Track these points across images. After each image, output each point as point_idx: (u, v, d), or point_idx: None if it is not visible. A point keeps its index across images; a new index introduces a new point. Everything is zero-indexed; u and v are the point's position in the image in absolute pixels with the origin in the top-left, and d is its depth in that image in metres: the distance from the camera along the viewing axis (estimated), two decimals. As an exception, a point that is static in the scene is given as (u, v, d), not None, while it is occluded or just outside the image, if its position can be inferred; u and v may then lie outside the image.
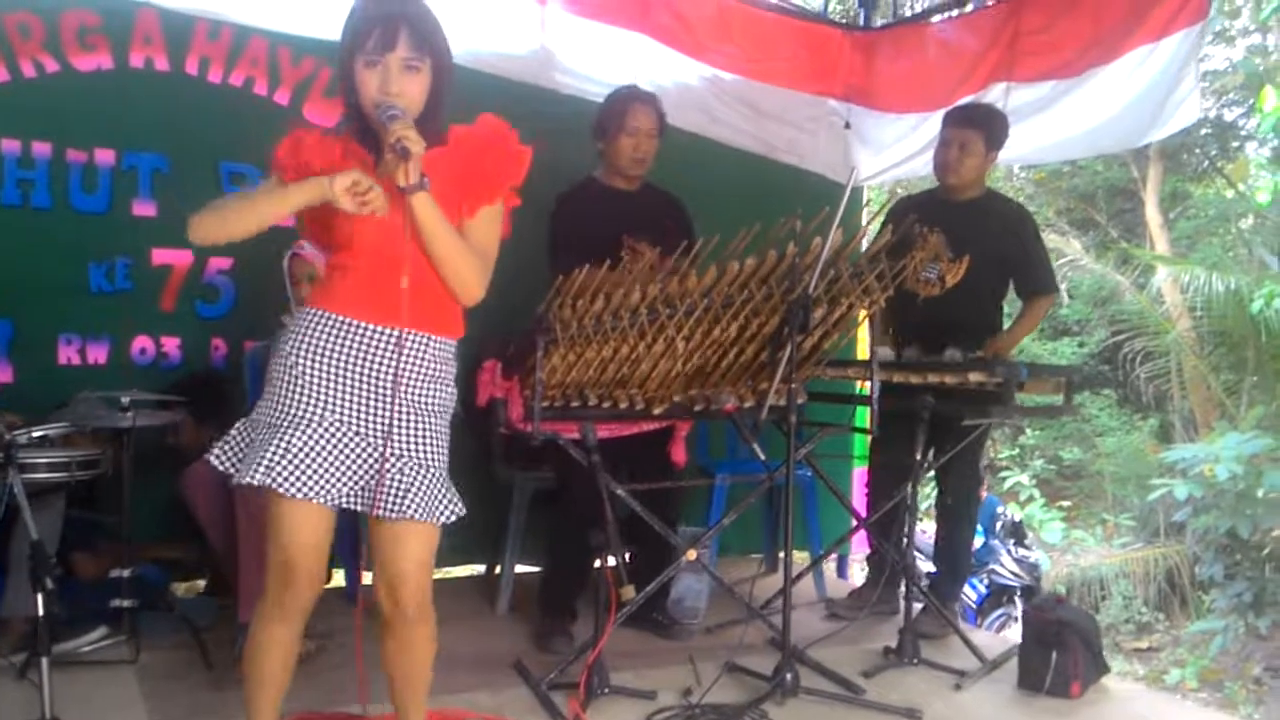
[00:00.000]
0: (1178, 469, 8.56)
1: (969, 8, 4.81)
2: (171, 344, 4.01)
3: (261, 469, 2.09)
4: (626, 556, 3.27)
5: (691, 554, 3.46)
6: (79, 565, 3.40)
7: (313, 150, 2.18)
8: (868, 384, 4.44)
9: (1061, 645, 3.30)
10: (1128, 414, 11.98)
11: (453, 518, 2.23)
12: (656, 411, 3.33)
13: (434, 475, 2.21)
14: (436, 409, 2.24)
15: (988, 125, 3.87)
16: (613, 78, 4.54)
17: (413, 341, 2.18)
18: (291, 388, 2.15)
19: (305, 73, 4.16)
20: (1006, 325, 4.04)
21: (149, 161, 3.93)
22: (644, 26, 4.65)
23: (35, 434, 2.73)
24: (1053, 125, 4.26)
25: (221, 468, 2.24)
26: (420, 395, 2.21)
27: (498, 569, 4.27)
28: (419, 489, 2.17)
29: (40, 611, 2.47)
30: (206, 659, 3.26)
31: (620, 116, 3.71)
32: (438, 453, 2.24)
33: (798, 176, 5.00)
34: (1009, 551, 7.80)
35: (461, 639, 3.51)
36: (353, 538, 4.04)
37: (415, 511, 2.15)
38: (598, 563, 3.64)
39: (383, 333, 2.16)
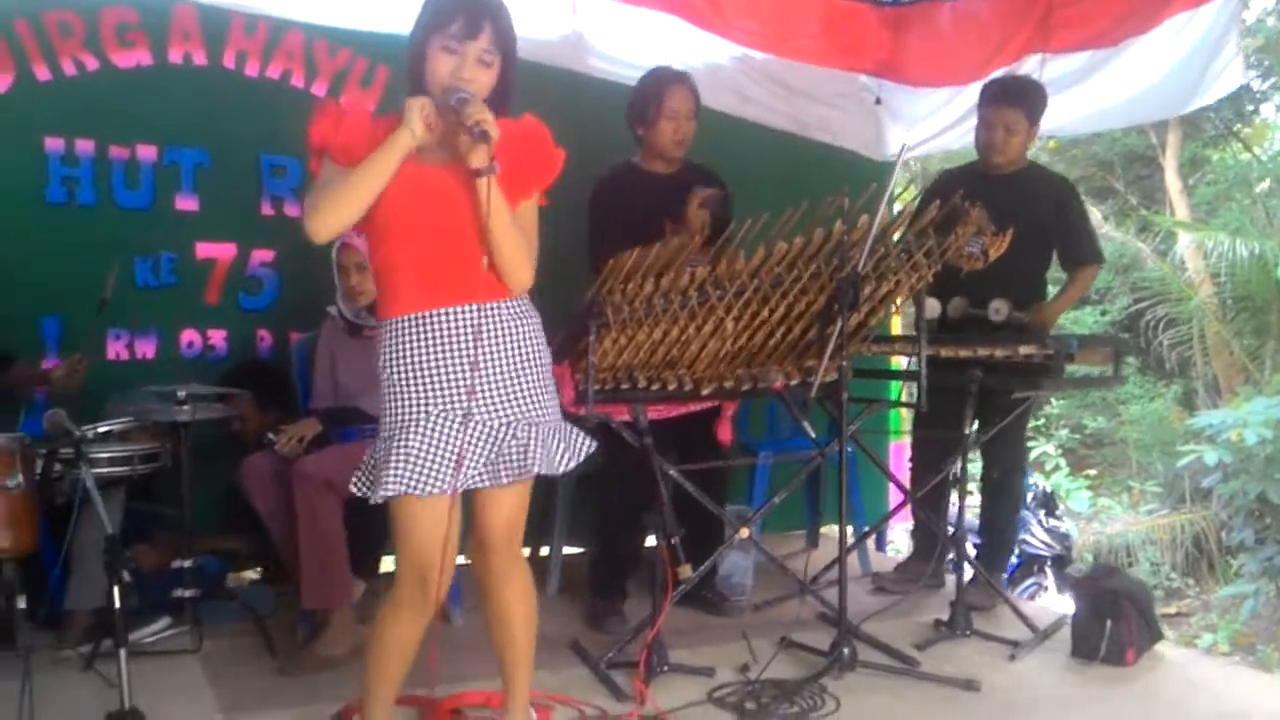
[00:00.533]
0: (1205, 435, 8.57)
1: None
2: (218, 336, 4.05)
3: (391, 483, 2.16)
4: (680, 536, 3.30)
5: (745, 532, 3.50)
6: (139, 557, 3.44)
7: (354, 131, 2.19)
8: (901, 359, 4.49)
9: (1117, 613, 3.32)
10: (1151, 381, 11.97)
11: (583, 454, 2.33)
12: (705, 392, 3.34)
13: (548, 428, 2.29)
14: (533, 367, 2.29)
15: (1029, 102, 3.85)
16: (645, 60, 4.53)
17: (490, 312, 2.22)
18: (393, 401, 2.23)
19: (341, 64, 4.18)
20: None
21: (190, 156, 3.95)
22: (673, 7, 4.64)
23: (101, 429, 2.76)
24: (1091, 96, 4.25)
25: (359, 493, 2.31)
26: (516, 358, 2.26)
27: (543, 551, 4.32)
28: (534, 445, 2.24)
29: (116, 604, 2.50)
30: (271, 646, 3.31)
31: (659, 100, 3.71)
32: (543, 408, 2.30)
33: (830, 153, 4.99)
34: (1040, 522, 7.80)
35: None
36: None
37: (536, 467, 2.23)
38: (647, 542, 3.73)
39: (458, 312, 2.21)
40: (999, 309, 3.60)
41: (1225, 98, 4.16)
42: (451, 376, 2.21)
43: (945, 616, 3.64)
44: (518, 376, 2.26)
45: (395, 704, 2.45)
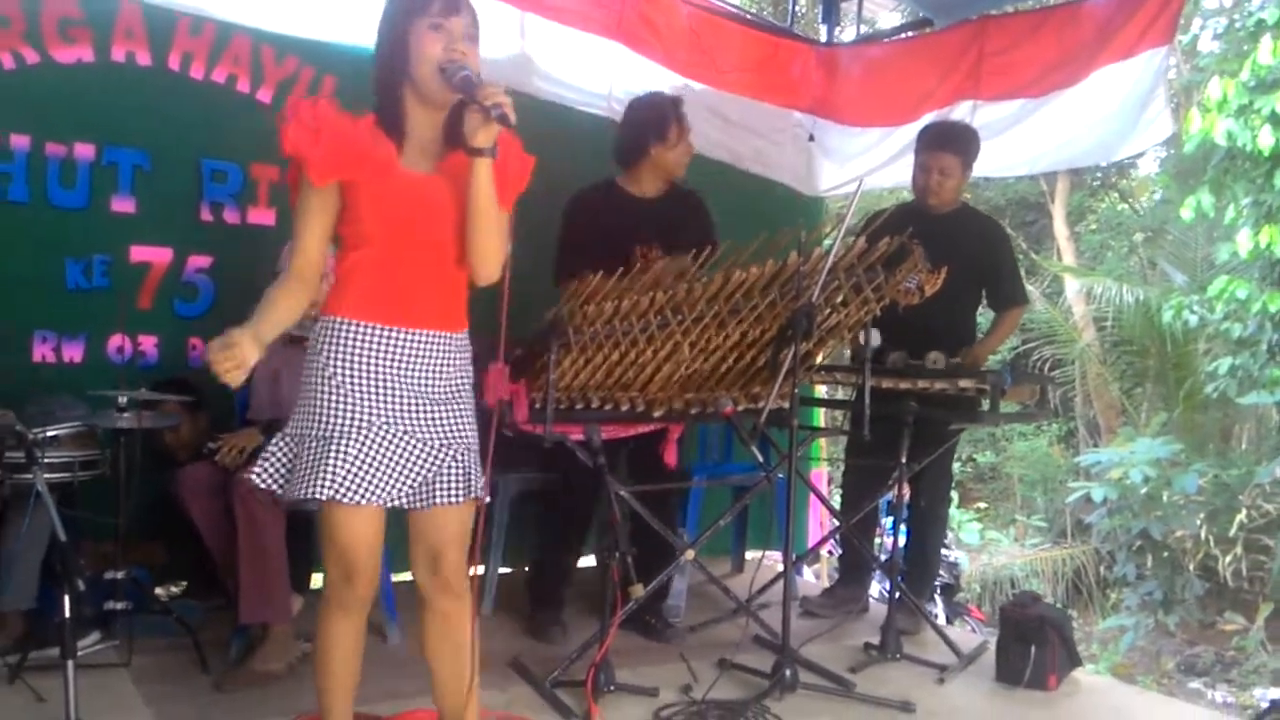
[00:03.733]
0: (1092, 472, 8.97)
1: (931, 29, 4.98)
2: (149, 343, 3.93)
3: (325, 484, 2.13)
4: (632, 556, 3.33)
5: (690, 554, 3.55)
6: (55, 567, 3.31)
7: (336, 135, 2.14)
8: (822, 388, 4.61)
9: (1042, 640, 3.46)
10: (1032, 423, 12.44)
11: (484, 491, 2.33)
12: (656, 414, 3.40)
13: (475, 457, 2.33)
14: (466, 397, 2.34)
15: (963, 147, 4.03)
16: (590, 84, 4.62)
17: (439, 341, 2.26)
18: (335, 401, 2.19)
19: (288, 71, 4.13)
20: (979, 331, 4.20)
21: (129, 157, 3.85)
22: (618, 35, 4.70)
23: (50, 433, 2.66)
24: (1022, 141, 4.45)
25: (264, 486, 2.26)
26: (453, 387, 2.30)
27: (475, 570, 4.29)
28: (472, 470, 2.29)
29: (66, 613, 2.41)
30: (204, 662, 3.22)
31: (679, 118, 3.75)
32: (473, 435, 2.34)
33: (764, 186, 5.11)
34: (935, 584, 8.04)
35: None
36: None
37: (474, 491, 2.27)
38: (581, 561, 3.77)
39: (412, 335, 2.22)
40: (936, 359, 3.72)
41: None
42: (399, 393, 2.21)
43: (874, 640, 3.74)
44: (458, 405, 2.31)
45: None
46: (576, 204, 3.76)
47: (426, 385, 2.25)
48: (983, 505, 11.59)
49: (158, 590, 3.98)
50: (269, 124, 4.03)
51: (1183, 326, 8.71)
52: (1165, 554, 8.48)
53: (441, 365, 2.27)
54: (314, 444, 2.19)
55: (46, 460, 2.91)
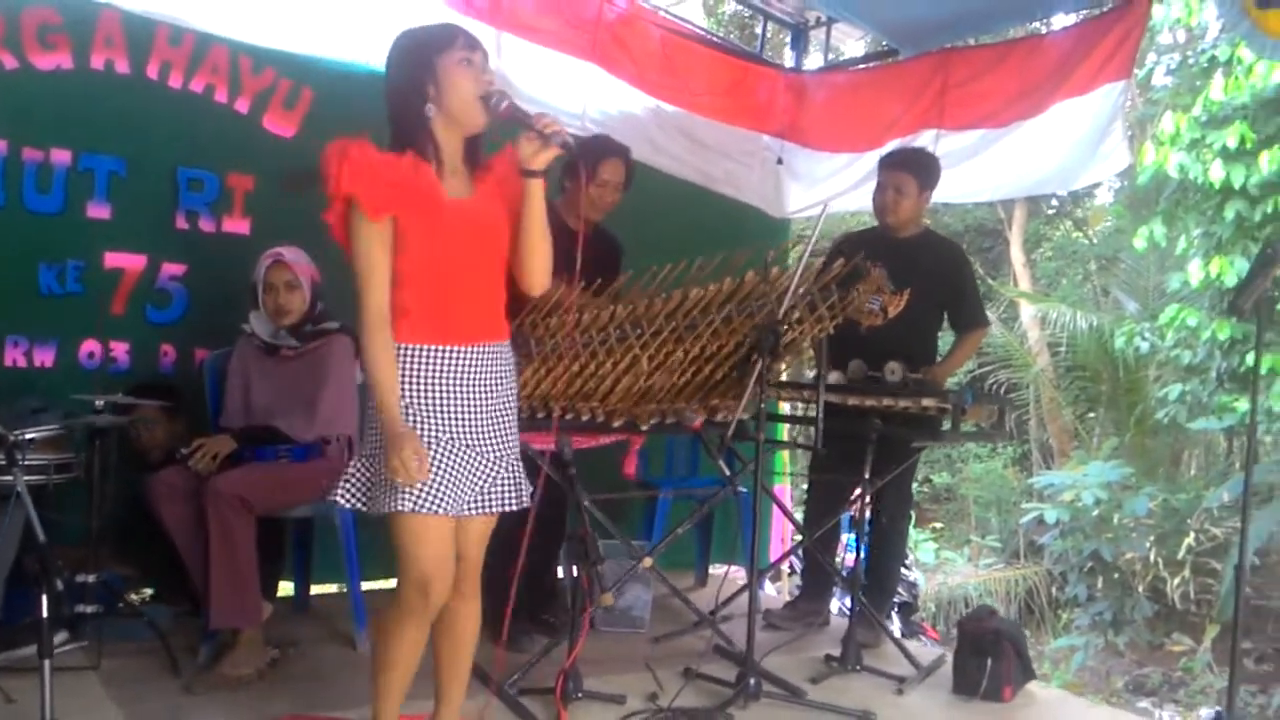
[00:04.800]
0: (1045, 494, 9.14)
1: (896, 59, 5.11)
2: (120, 349, 3.94)
3: (405, 498, 2.26)
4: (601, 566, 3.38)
5: (648, 561, 3.62)
6: (31, 569, 3.30)
7: (388, 173, 2.26)
8: (787, 405, 4.70)
9: (998, 652, 3.56)
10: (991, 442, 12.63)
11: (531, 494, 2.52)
12: (616, 425, 3.48)
13: (520, 463, 2.51)
14: (514, 405, 2.51)
15: (920, 168, 4.14)
16: (564, 104, 4.69)
17: (491, 353, 2.41)
18: (409, 420, 2.31)
19: (265, 83, 4.17)
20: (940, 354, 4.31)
21: (106, 164, 3.87)
22: (593, 56, 4.80)
23: (29, 435, 2.68)
24: (983, 170, 4.59)
25: (349, 506, 2.39)
26: (503, 397, 2.46)
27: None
28: (521, 477, 2.48)
29: (44, 613, 2.44)
30: (175, 665, 3.24)
31: (594, 166, 3.81)
32: (518, 443, 2.52)
33: (734, 207, 5.22)
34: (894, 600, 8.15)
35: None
36: (304, 552, 4.07)
37: (522, 499, 2.47)
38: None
39: (467, 351, 2.37)
40: (894, 369, 3.81)
41: None
42: (459, 408, 2.36)
43: (835, 652, 3.81)
44: (508, 414, 2.46)
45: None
46: None
47: (483, 398, 2.39)
48: (938, 525, 11.74)
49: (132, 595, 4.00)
50: (246, 134, 4.15)
51: (1134, 353, 8.92)
52: (1115, 575, 8.65)
53: (494, 376, 2.42)
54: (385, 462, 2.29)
55: (28, 462, 2.92)
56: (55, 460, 3.07)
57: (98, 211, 3.88)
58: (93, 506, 3.22)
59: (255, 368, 3.65)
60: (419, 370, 2.32)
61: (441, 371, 2.33)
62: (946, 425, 3.71)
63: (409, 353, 2.32)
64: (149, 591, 3.88)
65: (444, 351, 2.34)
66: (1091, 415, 10.76)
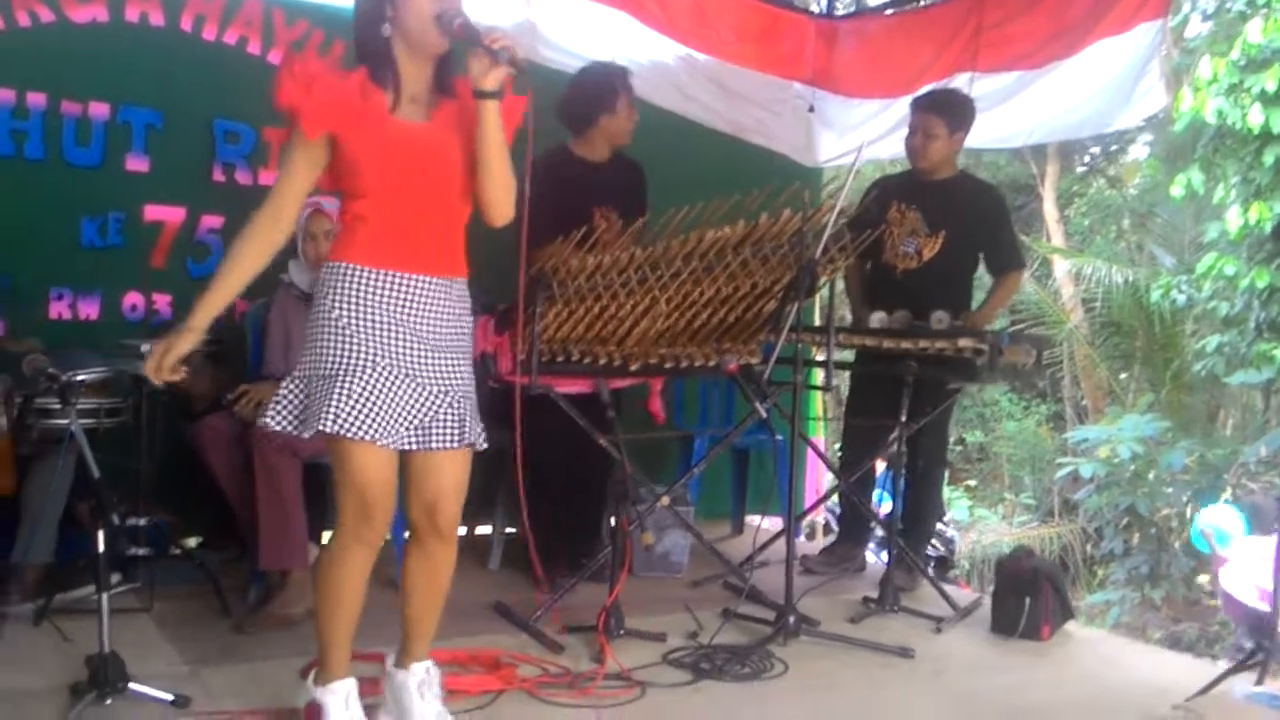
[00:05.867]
0: (1080, 449, 9.10)
1: (929, 2, 5.06)
2: (163, 301, 4.00)
3: (330, 419, 2.20)
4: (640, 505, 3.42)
5: (665, 500, 3.63)
6: (83, 515, 3.37)
7: (328, 89, 2.21)
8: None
9: (1035, 591, 3.56)
10: (1024, 400, 12.58)
11: (485, 443, 2.41)
12: (633, 368, 3.48)
13: (473, 404, 2.40)
14: (465, 345, 2.41)
15: (949, 110, 4.10)
16: (594, 53, 4.66)
17: (441, 287, 2.33)
18: (340, 341, 2.25)
19: (298, 35, 4.19)
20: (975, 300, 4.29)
21: (143, 116, 3.91)
22: (624, 4, 4.77)
23: (80, 377, 2.73)
24: (1019, 112, 4.55)
25: (279, 428, 2.32)
26: (452, 334, 2.37)
27: (481, 529, 4.37)
28: (468, 418, 2.36)
29: (100, 548, 2.50)
30: (225, 606, 3.30)
31: (628, 90, 3.85)
32: (470, 383, 2.42)
33: (764, 156, 5.17)
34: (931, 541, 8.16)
35: (464, 591, 3.60)
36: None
37: (469, 438, 2.35)
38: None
39: (416, 280, 2.29)
40: (941, 319, 3.80)
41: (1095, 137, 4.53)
42: (400, 337, 2.28)
43: (873, 595, 3.83)
44: (456, 352, 2.37)
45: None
46: (539, 169, 3.83)
47: (427, 330, 2.31)
48: (972, 484, 11.72)
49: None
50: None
51: (1170, 306, 8.83)
52: (1152, 530, 8.62)
53: (442, 311, 2.33)
54: (320, 382, 2.26)
55: (80, 406, 2.97)
56: (105, 405, 3.11)
57: (136, 164, 3.92)
58: (141, 450, 3.27)
59: (295, 316, 3.68)
60: (362, 292, 2.25)
61: (385, 296, 2.26)
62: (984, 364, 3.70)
63: (353, 273, 2.25)
64: (196, 540, 3.95)
65: (389, 277, 2.26)
66: (1125, 375, 10.66)
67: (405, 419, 2.28)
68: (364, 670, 2.53)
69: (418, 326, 2.29)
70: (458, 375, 2.36)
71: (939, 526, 8.32)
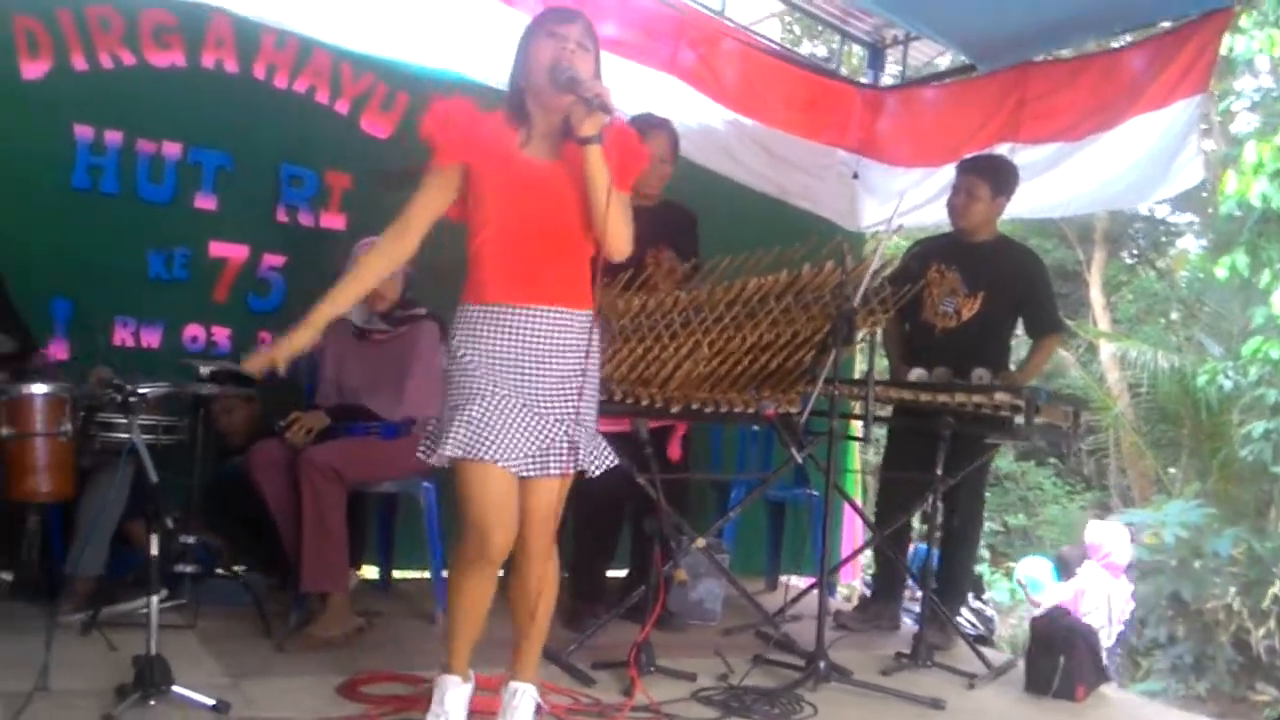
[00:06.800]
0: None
1: (974, 74, 5.19)
2: (222, 334, 4.16)
3: (451, 443, 2.35)
4: (674, 543, 3.46)
5: (701, 541, 3.66)
6: (137, 532, 3.47)
7: (465, 123, 2.41)
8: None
9: (1070, 650, 3.54)
10: (1070, 484, 12.45)
11: (610, 463, 2.53)
12: (674, 410, 3.55)
13: (590, 431, 2.52)
14: (589, 373, 2.49)
15: (994, 173, 4.19)
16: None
17: (563, 317, 2.45)
18: (464, 376, 2.41)
19: (364, 87, 4.39)
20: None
21: (213, 158, 4.09)
22: (674, 70, 4.96)
23: (142, 390, 2.85)
24: (1060, 183, 4.64)
25: (429, 460, 2.47)
26: (575, 364, 2.46)
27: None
28: (582, 444, 2.47)
29: (153, 551, 2.59)
30: (267, 626, 3.37)
31: (652, 144, 3.93)
32: (590, 411, 2.53)
33: (809, 220, 5.29)
34: (967, 602, 8.06)
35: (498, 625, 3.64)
36: (387, 534, 4.20)
37: (581, 464, 2.48)
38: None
39: (537, 312, 2.42)
40: (981, 375, 3.84)
41: (1141, 227, 4.59)
42: (521, 368, 2.41)
43: (908, 650, 3.82)
44: (578, 381, 2.47)
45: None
46: None
47: (550, 361, 2.43)
48: (1013, 566, 11.54)
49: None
50: (345, 134, 4.36)
51: (1217, 393, 8.74)
52: (1198, 621, 8.43)
53: (564, 341, 2.45)
54: (448, 414, 2.41)
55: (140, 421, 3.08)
56: (164, 421, 3.23)
57: (205, 203, 4.11)
58: (195, 466, 3.38)
59: (348, 350, 3.81)
60: (486, 328, 2.40)
61: (507, 329, 2.40)
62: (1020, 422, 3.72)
63: (478, 312, 2.42)
64: (241, 568, 4.03)
65: (511, 311, 2.40)
66: (1173, 469, 10.52)
67: (524, 446, 2.40)
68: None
69: (538, 357, 2.42)
70: (576, 403, 2.46)
71: (978, 604, 8.22)
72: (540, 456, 2.43)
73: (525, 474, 2.43)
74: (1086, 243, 13.03)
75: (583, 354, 2.46)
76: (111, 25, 3.93)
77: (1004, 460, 12.11)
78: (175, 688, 2.61)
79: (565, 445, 2.44)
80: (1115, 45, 4.78)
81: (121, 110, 3.95)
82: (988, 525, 11.92)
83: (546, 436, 2.42)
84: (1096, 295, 12.77)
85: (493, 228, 2.42)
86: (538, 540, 2.51)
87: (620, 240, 2.45)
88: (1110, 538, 6.87)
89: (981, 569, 10.45)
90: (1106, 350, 11.53)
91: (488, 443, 2.35)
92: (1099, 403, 10.70)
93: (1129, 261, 14.34)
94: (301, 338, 2.42)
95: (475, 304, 2.44)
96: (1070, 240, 13.12)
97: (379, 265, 2.55)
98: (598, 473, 2.52)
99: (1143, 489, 11.33)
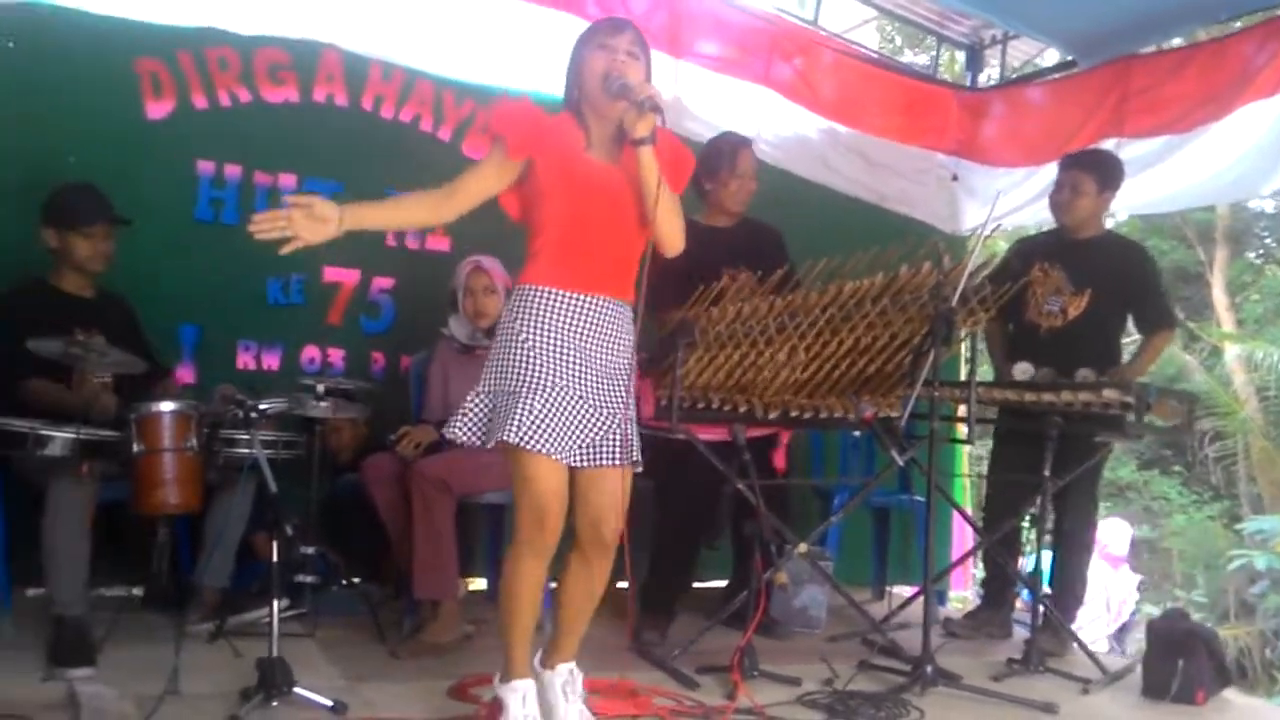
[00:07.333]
0: (1256, 540, 8.61)
1: (1075, 70, 5.10)
2: (337, 355, 4.34)
3: (513, 430, 2.41)
4: (775, 547, 3.48)
5: (803, 547, 3.65)
6: (260, 545, 3.63)
7: (534, 121, 2.53)
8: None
9: (1189, 652, 3.44)
10: (1197, 493, 12.00)
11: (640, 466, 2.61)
12: (772, 416, 3.57)
13: (634, 426, 2.61)
14: (629, 370, 2.59)
15: (1099, 168, 4.11)
16: (738, 127, 4.87)
17: (614, 308, 2.55)
18: (524, 359, 2.47)
19: (465, 113, 4.54)
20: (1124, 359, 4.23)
21: (326, 187, 4.22)
22: (767, 81, 5.00)
23: (263, 405, 3.01)
24: (1167, 177, 4.52)
25: (465, 440, 2.56)
26: (622, 359, 2.57)
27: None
28: (632, 439, 2.57)
29: (275, 557, 2.72)
30: (381, 633, 3.50)
31: (732, 160, 3.97)
32: (632, 406, 2.62)
33: (908, 225, 5.24)
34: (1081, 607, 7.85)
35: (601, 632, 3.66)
36: (497, 545, 4.30)
37: (634, 457, 2.56)
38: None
39: (592, 300, 2.51)
40: (1086, 376, 3.76)
41: (1269, 224, 4.43)
42: (576, 358, 2.49)
43: (1019, 656, 3.75)
44: (622, 374, 2.58)
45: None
46: None
47: (598, 354, 2.52)
48: (1139, 578, 11.16)
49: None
50: (448, 159, 4.51)
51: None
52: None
53: (612, 333, 2.54)
54: (505, 398, 2.48)
55: (262, 437, 3.24)
56: (283, 437, 3.40)
57: (319, 231, 4.28)
58: (312, 481, 3.53)
59: (453, 366, 3.94)
60: (546, 312, 2.47)
61: (565, 317, 2.47)
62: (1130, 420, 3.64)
63: (538, 294, 2.49)
64: (356, 579, 4.18)
65: (569, 297, 2.48)
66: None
67: (578, 437, 2.48)
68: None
69: (591, 350, 2.51)
70: (621, 397, 2.57)
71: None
72: (592, 448, 2.51)
73: (578, 464, 2.50)
74: (1207, 242, 12.58)
75: (626, 348, 2.57)
76: (229, 64, 4.15)
77: (1126, 469, 11.74)
78: (296, 689, 2.73)
79: (617, 438, 2.52)
80: (1221, 33, 4.63)
81: (240, 145, 4.16)
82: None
83: (598, 428, 2.50)
84: (1220, 296, 12.32)
85: (556, 224, 2.51)
86: (608, 530, 2.56)
87: (674, 235, 2.55)
88: (1107, 529, 6.76)
89: (1105, 583, 10.16)
90: (1231, 352, 11.11)
91: (548, 434, 2.41)
92: (1225, 407, 10.32)
93: (1254, 260, 13.78)
94: (327, 210, 2.48)
95: (534, 285, 2.50)
96: (1190, 240, 12.68)
97: (416, 212, 2.68)
98: (639, 469, 2.60)
99: (1274, 496, 10.85)
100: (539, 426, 2.41)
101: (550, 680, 2.61)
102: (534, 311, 2.49)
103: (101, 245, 3.52)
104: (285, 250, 2.44)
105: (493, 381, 2.53)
